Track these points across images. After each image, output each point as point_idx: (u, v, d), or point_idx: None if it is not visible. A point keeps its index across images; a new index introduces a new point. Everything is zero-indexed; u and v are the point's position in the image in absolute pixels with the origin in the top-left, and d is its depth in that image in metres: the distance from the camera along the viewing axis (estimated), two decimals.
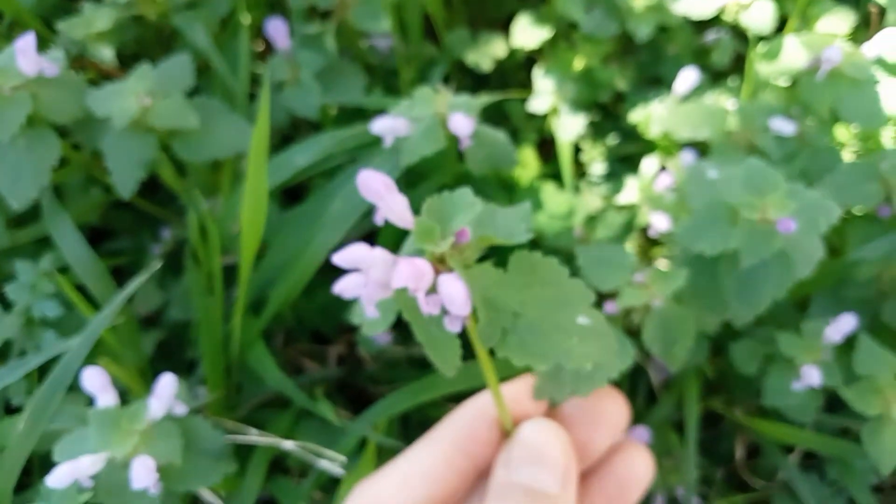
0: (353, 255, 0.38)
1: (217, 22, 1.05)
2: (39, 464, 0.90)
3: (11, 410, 0.85)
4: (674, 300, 0.61)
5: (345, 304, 0.99)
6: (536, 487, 0.52)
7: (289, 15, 1.04)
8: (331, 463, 0.78)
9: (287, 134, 1.18)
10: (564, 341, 0.40)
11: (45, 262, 0.88)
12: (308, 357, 1.11)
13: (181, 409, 0.66)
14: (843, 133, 1.05)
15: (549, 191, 1.09)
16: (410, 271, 0.36)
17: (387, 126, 0.80)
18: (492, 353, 0.47)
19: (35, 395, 0.68)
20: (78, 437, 0.63)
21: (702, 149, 1.03)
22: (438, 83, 1.09)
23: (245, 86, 0.97)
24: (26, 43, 0.77)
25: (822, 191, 0.83)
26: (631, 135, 1.17)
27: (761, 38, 1.03)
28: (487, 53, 1.12)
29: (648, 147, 1.14)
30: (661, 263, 1.07)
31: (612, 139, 1.19)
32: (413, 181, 0.98)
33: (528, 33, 1.08)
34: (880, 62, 0.99)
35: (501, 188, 1.09)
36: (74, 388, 0.70)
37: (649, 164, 1.11)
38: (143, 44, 1.13)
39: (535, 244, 1.07)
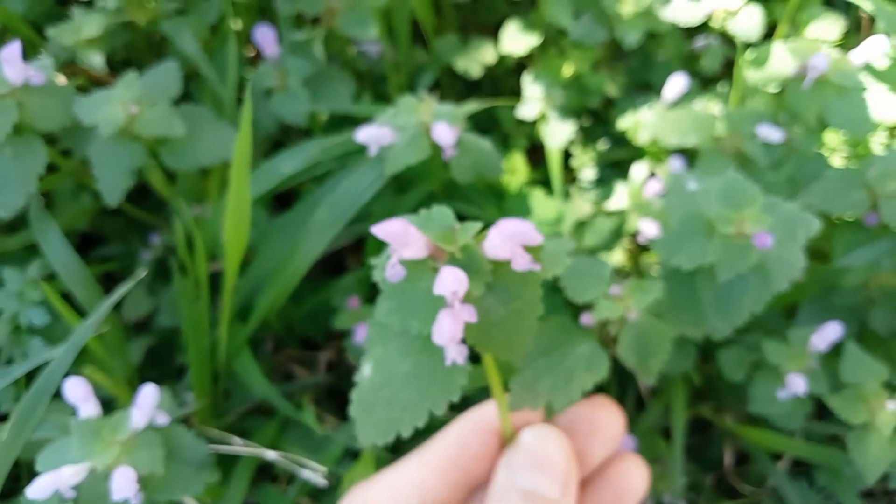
0: (391, 228, 0.42)
1: (206, 28, 1.05)
2: (28, 470, 0.91)
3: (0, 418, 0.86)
4: (650, 313, 0.61)
5: (332, 311, 1.00)
6: (537, 492, 0.53)
7: (277, 22, 1.04)
8: (314, 473, 0.78)
9: (278, 140, 1.18)
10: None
11: (33, 270, 0.88)
12: (297, 363, 1.11)
13: (163, 419, 0.66)
14: (832, 139, 1.05)
15: (538, 197, 1.09)
16: (454, 278, 0.40)
17: (371, 135, 0.80)
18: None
19: (19, 403, 0.68)
20: (60, 446, 0.63)
21: (691, 155, 1.03)
22: (425, 90, 1.09)
23: (233, 93, 0.97)
24: (11, 51, 0.78)
25: (809, 198, 0.83)
26: (621, 140, 1.17)
27: (750, 45, 1.03)
28: (477, 59, 1.12)
29: (638, 153, 1.14)
30: (653, 270, 1.07)
31: (602, 145, 1.19)
32: (401, 188, 0.99)
33: (516, 40, 1.08)
34: (868, 69, 0.98)
35: (491, 194, 1.09)
36: (61, 396, 0.70)
37: (638, 170, 1.11)
38: (134, 50, 1.13)
39: None
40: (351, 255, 1.13)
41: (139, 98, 0.85)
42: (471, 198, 0.99)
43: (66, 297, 0.83)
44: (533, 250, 0.44)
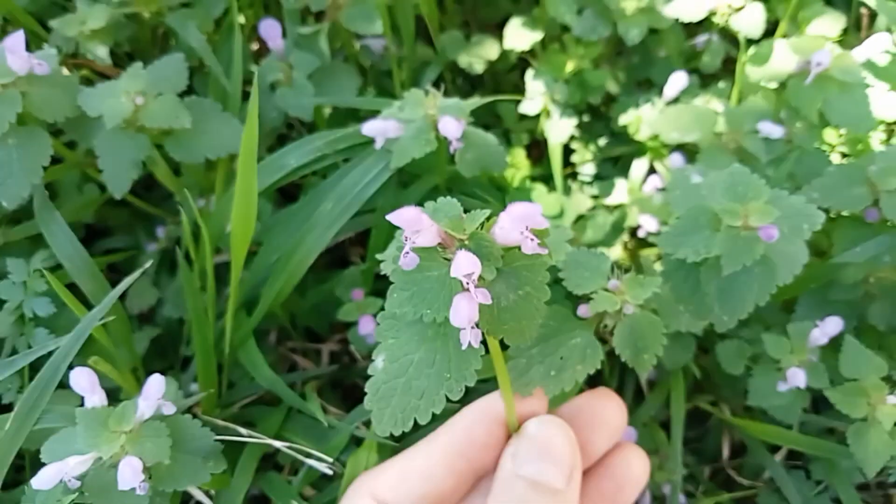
0: (405, 215, 0.44)
1: (211, 22, 1.06)
2: (32, 461, 0.91)
3: (3, 408, 0.86)
4: (646, 308, 0.62)
5: (337, 303, 1.00)
6: (542, 481, 0.53)
7: (283, 15, 1.04)
8: (319, 463, 0.78)
9: (283, 133, 1.18)
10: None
11: (37, 260, 0.88)
12: (301, 355, 1.11)
13: (170, 409, 0.66)
14: (832, 136, 1.06)
15: (539, 191, 1.10)
16: (470, 261, 0.42)
17: (377, 128, 0.80)
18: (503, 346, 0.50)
19: (23, 393, 0.69)
20: (66, 436, 0.63)
21: (691, 151, 1.03)
22: (430, 85, 1.09)
23: (238, 86, 0.97)
24: (15, 41, 0.78)
25: (810, 194, 0.84)
26: (622, 136, 1.18)
27: (751, 42, 1.04)
28: (480, 55, 1.12)
29: (639, 149, 1.15)
30: (654, 264, 1.08)
31: (603, 140, 1.20)
32: (405, 181, 0.99)
33: (519, 35, 1.09)
34: (870, 65, 0.99)
35: (493, 188, 1.10)
36: (68, 386, 0.71)
37: (639, 165, 1.12)
38: (139, 43, 1.13)
39: None
40: (355, 248, 1.14)
41: (145, 90, 0.85)
42: (474, 192, 1.00)
43: (71, 288, 0.83)
44: (539, 234, 0.45)
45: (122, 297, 0.91)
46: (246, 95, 1.02)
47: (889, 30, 1.06)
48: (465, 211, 0.47)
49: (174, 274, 1.08)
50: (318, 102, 0.98)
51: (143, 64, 0.88)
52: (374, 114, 0.87)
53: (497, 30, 1.15)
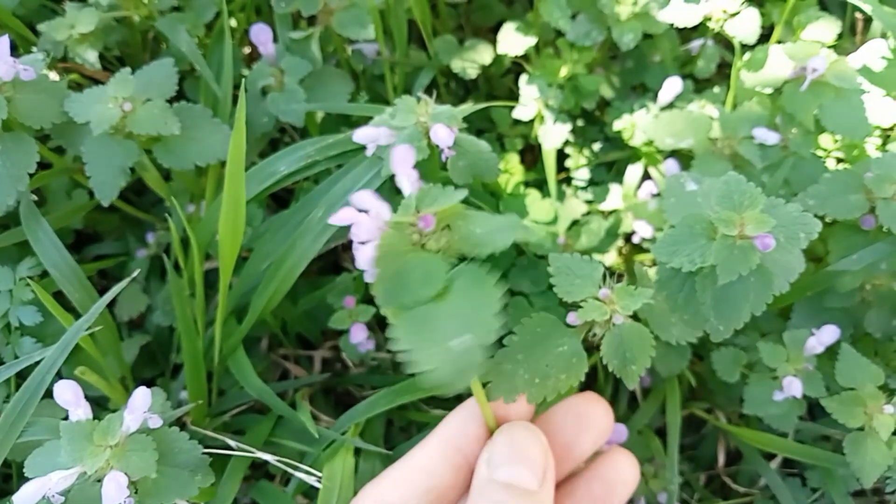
0: (340, 215, 0.48)
1: (202, 26, 1.05)
2: (18, 471, 0.90)
3: None
4: (636, 319, 0.62)
5: (329, 310, 0.99)
6: (517, 484, 0.55)
7: (274, 20, 1.03)
8: (308, 476, 0.77)
9: (274, 139, 1.17)
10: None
11: (24, 268, 0.87)
12: (293, 362, 1.10)
13: (156, 422, 0.65)
14: (827, 142, 1.05)
15: (533, 197, 1.09)
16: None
17: (369, 135, 0.79)
18: None
19: (8, 404, 0.68)
20: (50, 450, 0.62)
21: (686, 156, 1.03)
22: (423, 90, 1.09)
23: (229, 91, 0.96)
24: (0, 46, 0.76)
25: (806, 201, 0.83)
26: (616, 141, 1.17)
27: (746, 47, 1.03)
28: (474, 60, 1.11)
29: (634, 153, 1.14)
30: (649, 271, 1.07)
31: (597, 145, 1.19)
32: (397, 188, 0.98)
33: (513, 40, 1.08)
34: (865, 71, 0.99)
35: (486, 193, 1.09)
36: (53, 397, 0.69)
37: (633, 171, 1.11)
38: (129, 47, 1.12)
39: (520, 250, 1.07)
40: (347, 255, 1.13)
41: (133, 95, 0.84)
42: (467, 198, 0.99)
43: (59, 296, 0.82)
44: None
45: (112, 304, 0.90)
46: (237, 101, 1.01)
47: (884, 35, 1.06)
48: None
49: (165, 280, 1.07)
50: (309, 108, 0.97)
51: (131, 69, 0.86)
52: (366, 119, 0.86)
53: (491, 34, 1.14)
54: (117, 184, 0.85)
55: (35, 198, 0.86)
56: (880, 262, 0.83)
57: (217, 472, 0.71)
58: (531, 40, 1.08)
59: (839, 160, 1.06)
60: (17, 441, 0.68)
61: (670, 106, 1.09)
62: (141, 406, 0.63)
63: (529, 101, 1.09)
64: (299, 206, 0.88)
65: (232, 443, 0.78)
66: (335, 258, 1.14)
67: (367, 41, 1.06)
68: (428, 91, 1.00)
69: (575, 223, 1.11)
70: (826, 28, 1.08)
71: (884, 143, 1.05)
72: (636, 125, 1.10)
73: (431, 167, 0.83)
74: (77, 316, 0.77)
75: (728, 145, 0.96)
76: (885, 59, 0.99)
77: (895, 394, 0.80)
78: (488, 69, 1.16)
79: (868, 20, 1.16)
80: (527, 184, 1.14)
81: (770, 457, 1.03)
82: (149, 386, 0.66)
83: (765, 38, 1.07)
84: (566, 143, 1.14)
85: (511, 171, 1.12)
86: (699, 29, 1.09)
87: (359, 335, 0.96)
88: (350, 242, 0.49)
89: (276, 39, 1.00)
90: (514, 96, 1.13)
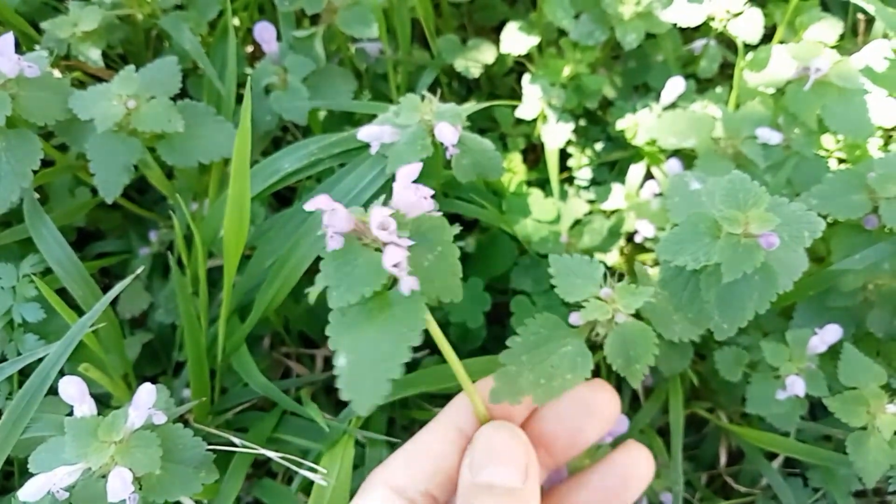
0: (317, 202, 0.49)
1: (206, 24, 1.05)
2: (21, 468, 0.90)
3: None
4: (638, 317, 0.62)
5: (331, 309, 0.99)
6: (500, 484, 0.55)
7: (278, 18, 1.04)
8: (312, 473, 0.77)
9: (278, 137, 1.17)
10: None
11: (27, 265, 0.87)
12: (295, 360, 1.10)
13: (160, 419, 0.65)
14: (830, 142, 1.05)
15: (535, 196, 1.09)
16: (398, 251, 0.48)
17: (373, 133, 0.79)
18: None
19: (12, 401, 0.68)
20: (54, 446, 0.62)
21: (688, 156, 1.03)
22: (426, 89, 1.09)
23: (233, 89, 0.96)
24: (4, 43, 0.77)
25: (809, 201, 0.84)
26: (619, 141, 1.18)
27: (749, 47, 1.03)
28: (476, 59, 1.12)
29: (636, 153, 1.14)
30: (651, 270, 1.07)
31: (600, 145, 1.19)
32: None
33: (516, 40, 1.08)
34: (868, 71, 0.99)
35: (489, 192, 1.09)
36: (58, 393, 0.69)
37: (636, 170, 1.11)
38: (132, 45, 1.12)
39: (522, 249, 1.07)
40: None
41: (137, 93, 0.84)
42: (470, 196, 0.99)
43: (62, 293, 0.82)
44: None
45: (114, 301, 0.90)
46: (240, 99, 1.01)
47: (886, 35, 1.06)
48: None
49: (167, 278, 1.07)
50: (312, 106, 0.97)
51: (135, 67, 0.86)
52: (369, 118, 0.86)
53: (494, 34, 1.14)
54: (121, 181, 0.85)
55: (38, 195, 0.87)
56: (883, 262, 0.83)
57: (220, 470, 0.71)
58: (534, 40, 1.08)
59: (841, 160, 1.06)
60: (21, 437, 0.68)
61: (673, 106, 1.09)
62: (146, 402, 0.63)
63: (532, 100, 1.09)
64: (303, 204, 0.88)
65: (235, 440, 0.78)
66: None
67: (370, 40, 1.06)
68: (431, 90, 1.00)
69: (577, 222, 1.11)
70: (828, 28, 1.08)
71: (886, 144, 1.05)
72: (639, 125, 1.10)
73: (435, 165, 0.83)
74: (80, 313, 0.77)
75: (731, 145, 0.96)
76: (888, 59, 0.99)
77: None
78: (491, 68, 1.16)
79: (870, 21, 1.17)
80: (529, 183, 1.15)
81: (772, 456, 1.03)
82: (152, 383, 0.66)
83: (767, 38, 1.07)
84: (569, 142, 1.14)
85: (514, 170, 1.12)
86: (702, 29, 1.09)
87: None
88: None
89: (279, 38, 1.00)
90: (516, 96, 1.13)
